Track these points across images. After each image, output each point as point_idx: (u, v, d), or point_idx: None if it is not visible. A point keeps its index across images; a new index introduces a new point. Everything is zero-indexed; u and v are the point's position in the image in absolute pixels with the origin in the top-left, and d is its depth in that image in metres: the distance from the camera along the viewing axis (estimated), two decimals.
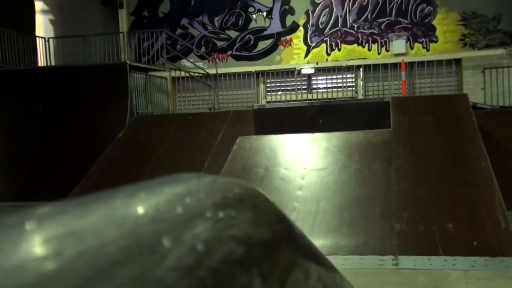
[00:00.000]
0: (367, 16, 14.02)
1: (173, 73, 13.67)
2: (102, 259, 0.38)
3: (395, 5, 13.84)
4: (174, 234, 0.46)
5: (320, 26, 14.31)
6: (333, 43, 14.21)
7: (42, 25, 16.16)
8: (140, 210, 0.48)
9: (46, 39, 14.72)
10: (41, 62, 14.58)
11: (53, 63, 14.73)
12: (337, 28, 14.20)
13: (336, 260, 5.42)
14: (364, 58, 14.01)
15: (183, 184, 0.59)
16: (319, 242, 5.79)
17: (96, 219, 0.43)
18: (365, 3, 14.02)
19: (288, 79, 14.16)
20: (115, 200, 0.48)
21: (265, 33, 14.70)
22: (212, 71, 14.25)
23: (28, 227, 0.40)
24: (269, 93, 14.61)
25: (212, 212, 0.54)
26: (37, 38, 14.78)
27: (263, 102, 14.26)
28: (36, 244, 0.38)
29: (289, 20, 14.53)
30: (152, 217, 0.47)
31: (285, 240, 0.71)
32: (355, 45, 14.13)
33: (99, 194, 0.50)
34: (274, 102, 13.96)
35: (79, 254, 0.37)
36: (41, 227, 0.40)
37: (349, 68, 13.95)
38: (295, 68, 14.17)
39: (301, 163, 7.65)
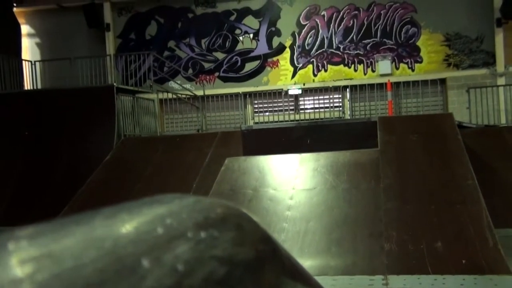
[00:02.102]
0: (352, 37, 14.20)
1: (160, 95, 13.68)
2: (79, 281, 0.37)
3: (380, 26, 14.04)
4: (154, 255, 0.46)
5: (307, 48, 14.45)
6: (319, 64, 14.34)
7: (29, 48, 16.14)
8: (120, 231, 0.48)
9: (33, 62, 14.70)
10: (28, 85, 14.53)
11: (39, 86, 14.68)
12: (323, 49, 14.35)
13: (326, 281, 5.40)
14: (351, 79, 14.15)
15: (164, 204, 0.59)
16: (308, 262, 5.77)
17: (74, 240, 0.43)
18: (350, 24, 14.21)
19: (276, 100, 14.23)
20: (95, 221, 0.48)
21: (252, 54, 14.80)
22: (199, 92, 14.28)
23: (4, 249, 0.39)
24: (257, 114, 14.65)
25: (194, 232, 0.54)
26: (23, 61, 14.75)
27: (251, 123, 14.29)
28: (11, 266, 0.37)
29: (275, 41, 14.66)
30: (131, 238, 0.47)
31: (270, 261, 0.70)
32: (341, 65, 14.27)
33: (79, 216, 0.49)
34: (262, 123, 14.01)
35: (55, 276, 0.37)
36: (17, 249, 0.39)
37: (335, 89, 14.06)
38: (282, 89, 14.25)
39: (290, 183, 7.64)
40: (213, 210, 0.63)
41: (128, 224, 0.49)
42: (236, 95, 14.51)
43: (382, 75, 13.81)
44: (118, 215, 0.51)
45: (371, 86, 13.73)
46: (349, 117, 13.79)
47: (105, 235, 0.46)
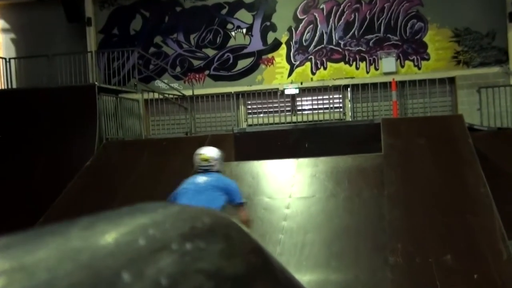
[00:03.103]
0: (354, 32, 14.24)
1: (145, 95, 13.66)
2: None
3: (383, 21, 14.09)
4: (135, 268, 0.46)
5: (304, 44, 14.48)
6: (318, 61, 14.37)
7: (3, 45, 16.09)
8: (98, 242, 0.48)
9: (7, 60, 14.65)
10: (1, 84, 14.48)
11: (14, 86, 14.63)
12: (322, 45, 14.38)
13: None
14: (352, 77, 14.18)
15: (147, 214, 0.59)
16: (306, 277, 5.77)
17: (48, 252, 0.43)
18: (351, 19, 14.25)
19: (271, 100, 14.24)
20: (71, 232, 0.48)
21: (245, 51, 14.82)
22: (188, 92, 14.27)
23: None
24: (250, 116, 14.66)
25: (178, 243, 0.54)
26: None
27: (244, 125, 14.30)
28: None
29: (270, 37, 14.69)
30: (110, 250, 0.47)
31: (261, 273, 0.70)
32: (342, 63, 14.31)
33: (54, 226, 0.49)
34: (255, 125, 14.01)
35: None
36: None
37: (336, 88, 14.09)
38: (278, 89, 14.26)
39: (286, 191, 7.65)
40: (200, 220, 0.63)
41: (107, 235, 0.50)
42: (228, 95, 14.52)
43: (386, 74, 13.86)
44: (96, 226, 0.51)
45: (374, 85, 13.77)
46: (350, 119, 13.82)
47: (82, 246, 0.46)
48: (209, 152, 5.18)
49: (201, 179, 4.95)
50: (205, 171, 5.05)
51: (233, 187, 5.08)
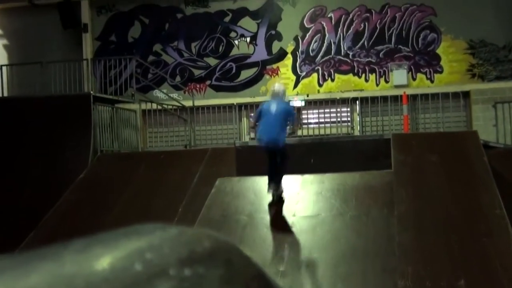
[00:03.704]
0: (363, 43, 14.29)
1: (143, 106, 13.70)
2: None
3: (394, 31, 14.14)
4: None
5: (311, 54, 14.53)
6: (325, 72, 14.41)
7: None
8: (93, 267, 0.48)
9: None
10: None
11: (5, 94, 14.69)
12: (330, 56, 14.43)
13: None
14: (361, 90, 14.20)
15: (144, 236, 0.59)
16: None
17: (40, 278, 0.43)
18: (361, 28, 14.31)
19: None
20: (64, 256, 0.48)
21: (249, 60, 14.87)
22: (188, 103, 14.31)
23: None
24: (253, 129, 14.67)
25: (177, 269, 0.54)
26: None
27: (246, 138, 14.30)
28: None
29: (276, 46, 14.74)
30: (105, 275, 0.47)
31: None
32: (351, 75, 14.34)
33: (45, 250, 0.49)
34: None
35: None
36: None
37: (343, 101, 14.11)
38: None
39: (290, 209, 7.63)
40: (199, 243, 0.63)
41: (102, 259, 0.50)
42: (230, 106, 14.55)
43: (397, 87, 13.87)
44: (90, 249, 0.51)
45: (384, 98, 13.78)
46: (358, 134, 13.82)
47: (75, 272, 0.46)
48: (278, 87, 8.23)
49: (273, 104, 7.70)
50: (275, 99, 7.87)
51: (292, 109, 8.32)
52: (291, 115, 7.87)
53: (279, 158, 7.56)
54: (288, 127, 7.78)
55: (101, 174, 10.62)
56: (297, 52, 14.61)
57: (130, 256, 0.53)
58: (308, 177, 8.22)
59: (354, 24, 14.36)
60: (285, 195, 7.76)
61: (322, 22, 14.51)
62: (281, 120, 7.56)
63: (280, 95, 7.99)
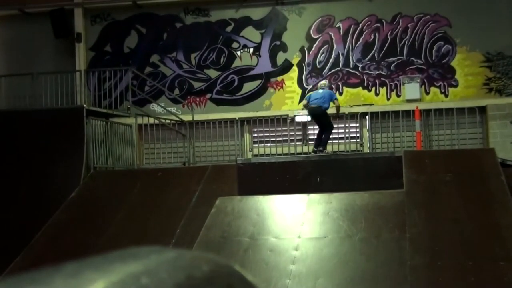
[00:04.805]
0: (373, 54, 14.34)
1: (139, 120, 13.72)
2: None
3: (406, 42, 14.19)
4: None
5: (318, 66, 14.57)
6: (333, 85, 14.44)
7: None
8: None
9: None
10: None
11: None
12: (338, 68, 14.47)
13: None
14: (371, 104, 14.22)
15: (139, 260, 0.59)
16: None
17: None
18: (371, 39, 14.35)
19: (279, 128, 14.28)
20: (54, 281, 0.48)
21: (252, 73, 14.91)
22: (187, 117, 14.34)
23: None
24: (256, 145, 14.68)
25: None
26: None
27: (249, 155, 14.31)
28: None
29: (280, 58, 14.79)
30: None
31: None
32: (360, 88, 14.37)
33: (36, 273, 0.50)
34: (262, 155, 14.02)
35: None
36: None
37: (352, 116, 14.12)
38: (287, 115, 14.32)
39: (295, 230, 7.61)
40: (198, 268, 0.63)
41: (95, 284, 0.50)
42: (232, 121, 14.57)
43: (409, 101, 13.89)
44: (82, 273, 0.51)
45: (396, 113, 13.80)
46: (368, 151, 13.81)
47: None
48: (324, 81, 12.13)
49: (320, 92, 11.25)
50: (322, 88, 11.41)
51: (333, 94, 11.82)
52: (333, 96, 11.53)
53: (324, 127, 11.45)
54: (332, 103, 11.24)
55: (94, 193, 10.62)
56: (303, 64, 14.65)
57: (124, 281, 0.53)
58: (315, 197, 8.21)
59: (363, 35, 14.42)
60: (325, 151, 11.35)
61: (330, 33, 14.58)
62: (326, 97, 11.11)
63: (326, 87, 11.61)
